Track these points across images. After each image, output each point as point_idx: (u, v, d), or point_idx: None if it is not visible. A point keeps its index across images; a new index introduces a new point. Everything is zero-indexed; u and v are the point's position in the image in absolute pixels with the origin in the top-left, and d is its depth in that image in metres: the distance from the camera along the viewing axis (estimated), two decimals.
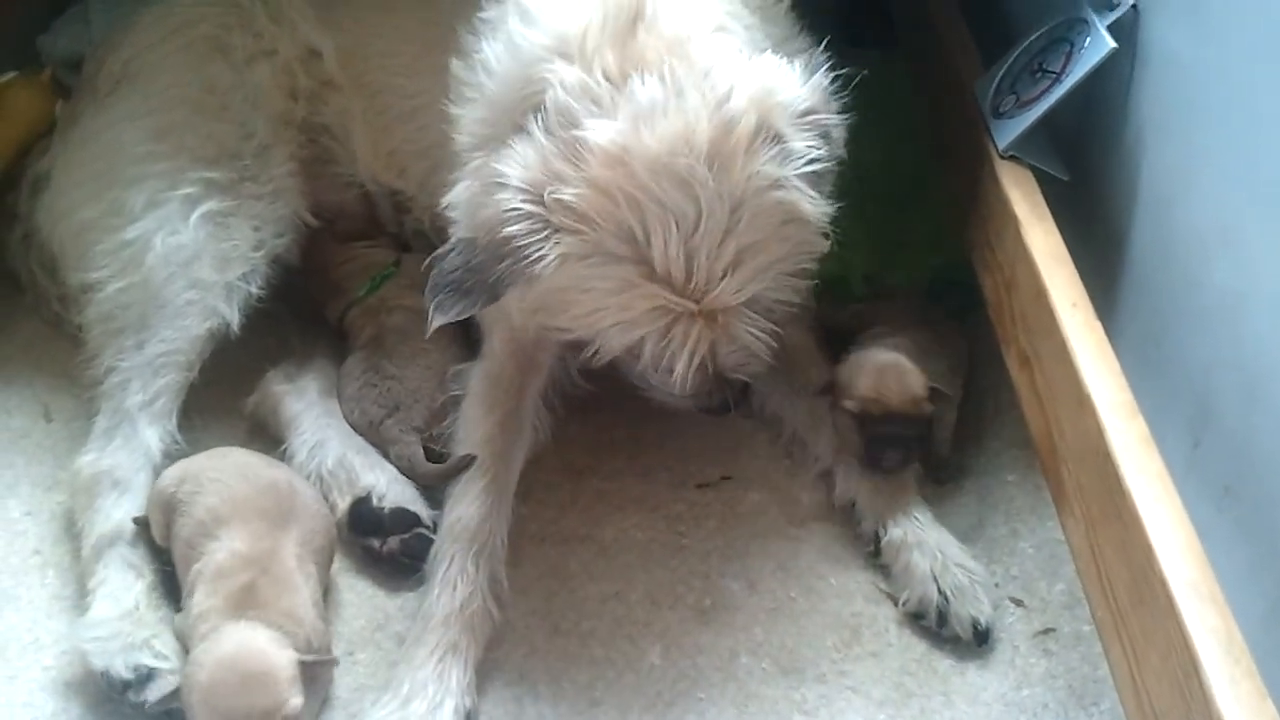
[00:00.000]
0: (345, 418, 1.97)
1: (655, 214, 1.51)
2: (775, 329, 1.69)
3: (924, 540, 1.84)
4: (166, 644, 1.61)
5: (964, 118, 2.03)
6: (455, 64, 1.76)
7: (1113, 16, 1.82)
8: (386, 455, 1.91)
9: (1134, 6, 1.81)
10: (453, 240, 1.59)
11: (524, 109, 1.58)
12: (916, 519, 1.87)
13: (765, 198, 1.55)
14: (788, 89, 1.57)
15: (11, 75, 2.35)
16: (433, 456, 1.89)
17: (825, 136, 1.59)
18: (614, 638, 1.76)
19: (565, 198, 1.50)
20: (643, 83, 1.52)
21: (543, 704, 1.67)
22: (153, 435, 1.81)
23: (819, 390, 1.95)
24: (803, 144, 1.57)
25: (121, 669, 1.58)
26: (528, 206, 1.51)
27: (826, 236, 1.66)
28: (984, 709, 1.69)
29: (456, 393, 1.93)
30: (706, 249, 1.54)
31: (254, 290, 1.93)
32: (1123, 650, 1.41)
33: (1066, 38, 1.90)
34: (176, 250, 1.88)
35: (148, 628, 1.63)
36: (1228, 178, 1.61)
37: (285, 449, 1.92)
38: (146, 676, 1.57)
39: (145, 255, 1.88)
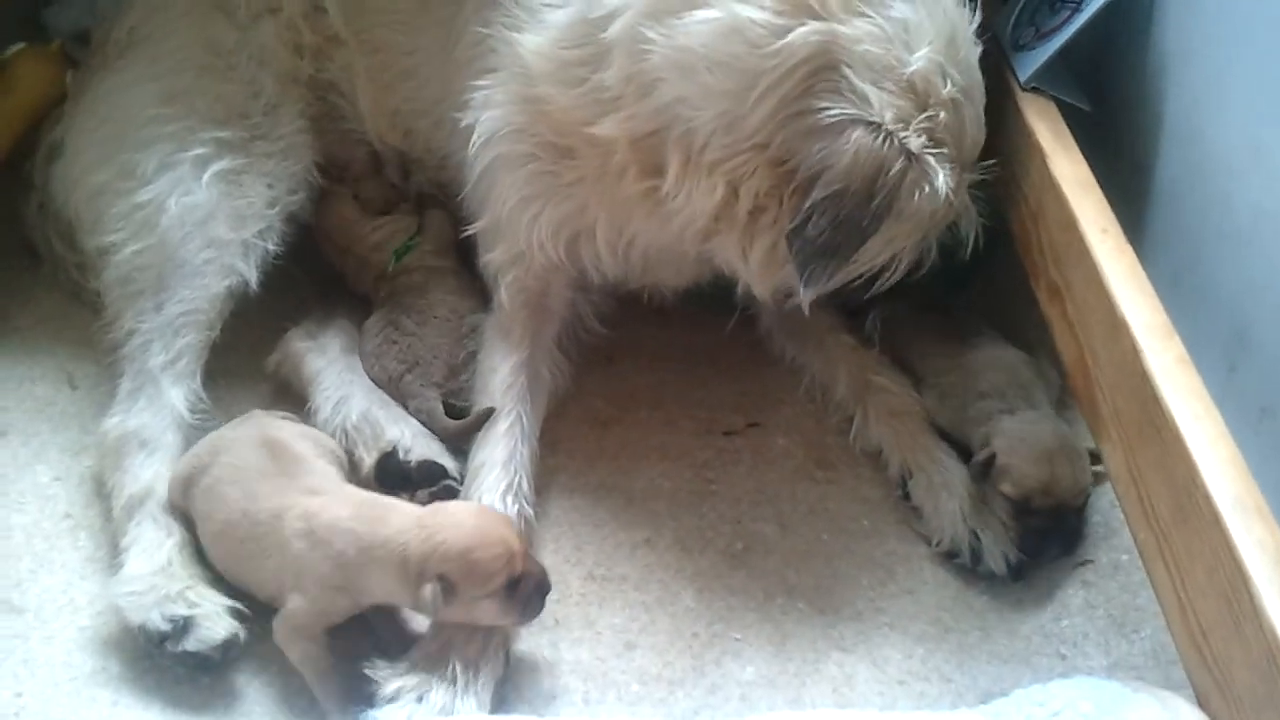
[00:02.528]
0: (366, 373, 1.96)
1: (968, 109, 1.67)
2: None
3: (951, 481, 1.83)
4: (201, 595, 1.61)
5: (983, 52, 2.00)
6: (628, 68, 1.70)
7: None
8: (407, 409, 1.90)
9: None
10: (806, 207, 1.59)
11: (790, 91, 1.58)
12: (941, 460, 1.86)
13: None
14: None
15: (21, 46, 2.34)
16: (453, 412, 1.88)
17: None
18: (647, 582, 1.75)
19: (926, 126, 1.59)
20: (902, 7, 1.61)
21: (579, 647, 1.66)
22: (177, 395, 1.80)
23: (975, 473, 1.79)
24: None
25: (158, 621, 1.57)
26: (887, 138, 1.57)
27: None
28: (1023, 641, 1.68)
29: (473, 348, 1.93)
30: (979, 118, 1.72)
31: (270, 248, 1.92)
32: (1166, 570, 1.39)
33: None
34: (191, 210, 1.87)
35: (181, 581, 1.62)
36: (1257, 97, 1.60)
37: (309, 406, 1.91)
38: (183, 627, 1.57)
39: (160, 216, 1.87)
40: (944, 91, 1.61)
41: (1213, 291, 1.65)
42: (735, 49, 1.59)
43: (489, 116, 1.83)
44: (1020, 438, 1.75)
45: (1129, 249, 1.61)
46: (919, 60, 1.59)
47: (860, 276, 1.75)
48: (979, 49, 1.72)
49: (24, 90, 2.28)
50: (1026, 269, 1.86)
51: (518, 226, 1.85)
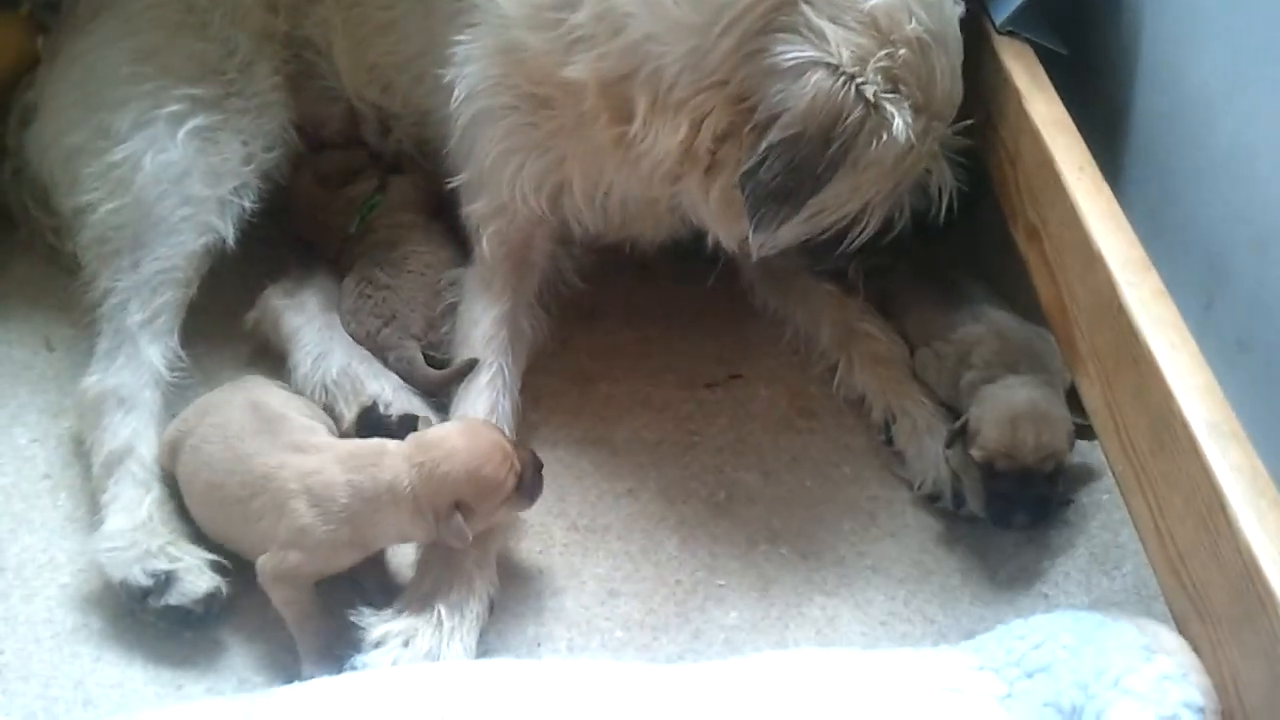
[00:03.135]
0: (346, 332, 1.95)
1: (935, 53, 1.62)
2: None
3: (934, 425, 1.84)
4: (182, 549, 1.61)
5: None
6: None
7: None
8: (387, 363, 1.90)
9: None
10: (762, 149, 1.56)
11: (751, 25, 1.56)
12: (925, 404, 1.87)
13: (958, 12, 1.70)
14: None
15: None
16: (433, 363, 1.88)
17: None
18: (630, 531, 1.75)
19: (885, 65, 1.55)
20: None
21: (563, 596, 1.67)
22: (155, 353, 1.79)
23: (949, 440, 1.76)
24: None
25: (140, 576, 1.57)
26: (847, 81, 1.53)
27: None
28: (1005, 582, 1.69)
29: (453, 300, 1.92)
30: (958, 71, 1.68)
31: (247, 205, 1.91)
32: (1144, 499, 1.40)
33: None
34: (166, 168, 1.86)
35: (162, 536, 1.62)
36: (1232, 33, 1.59)
37: (288, 364, 1.90)
38: (165, 582, 1.57)
39: (135, 175, 1.86)
40: (908, 28, 1.57)
41: (1190, 227, 1.65)
42: None
43: (469, 71, 1.82)
44: (991, 402, 1.73)
45: (1105, 186, 1.61)
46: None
47: (830, 229, 1.73)
48: (960, 7, 1.69)
49: None
50: (1004, 212, 1.86)
51: (500, 179, 1.84)
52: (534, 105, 1.80)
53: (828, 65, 1.53)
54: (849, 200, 1.68)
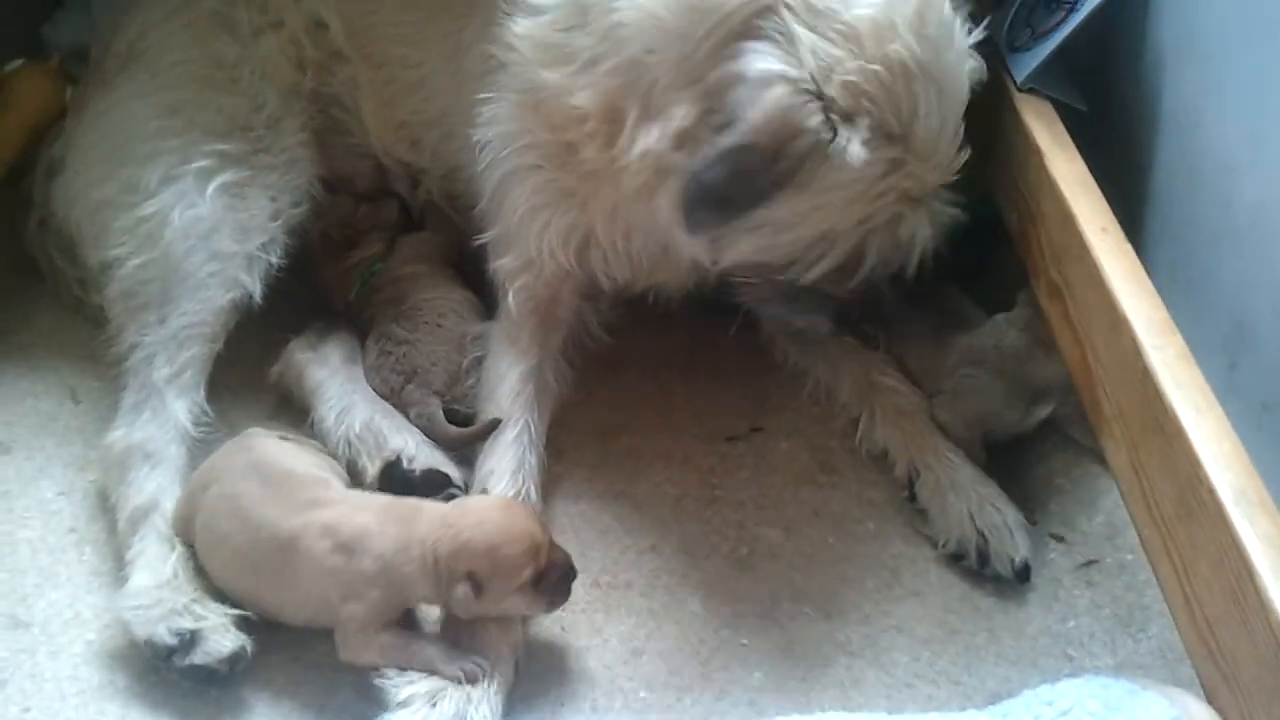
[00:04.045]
0: (370, 388, 1.95)
1: (921, 85, 1.55)
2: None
3: (958, 481, 1.83)
4: (207, 608, 1.61)
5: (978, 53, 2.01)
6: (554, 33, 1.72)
7: None
8: (409, 418, 1.90)
9: None
10: (713, 152, 1.53)
11: (733, 29, 1.55)
12: (949, 460, 1.85)
13: (971, 67, 1.66)
14: None
15: (20, 64, 2.35)
16: (456, 419, 1.89)
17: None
18: (653, 589, 1.75)
19: (853, 80, 1.51)
20: None
21: (586, 655, 1.66)
22: (181, 407, 1.80)
23: None
24: (964, 20, 1.67)
25: (165, 635, 1.57)
26: (809, 95, 1.50)
27: None
28: (1029, 642, 1.68)
29: (478, 354, 1.93)
30: (951, 118, 1.61)
31: (274, 260, 1.92)
32: (1172, 565, 1.40)
33: None
34: (195, 223, 1.88)
35: (187, 594, 1.62)
36: (1254, 93, 1.60)
37: (312, 417, 1.91)
38: (190, 641, 1.57)
39: (164, 229, 1.87)
40: (890, 47, 1.52)
41: (1212, 288, 1.65)
42: None
43: (496, 133, 1.84)
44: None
45: (1128, 247, 1.62)
46: (867, 7, 1.53)
47: (791, 258, 1.68)
48: (973, 62, 1.66)
49: (24, 107, 2.29)
50: (1026, 269, 1.87)
51: (527, 235, 1.85)
52: (558, 160, 1.81)
53: (791, 80, 1.51)
54: (801, 224, 1.63)
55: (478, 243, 1.95)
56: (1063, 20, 1.88)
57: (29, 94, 2.29)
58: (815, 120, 1.51)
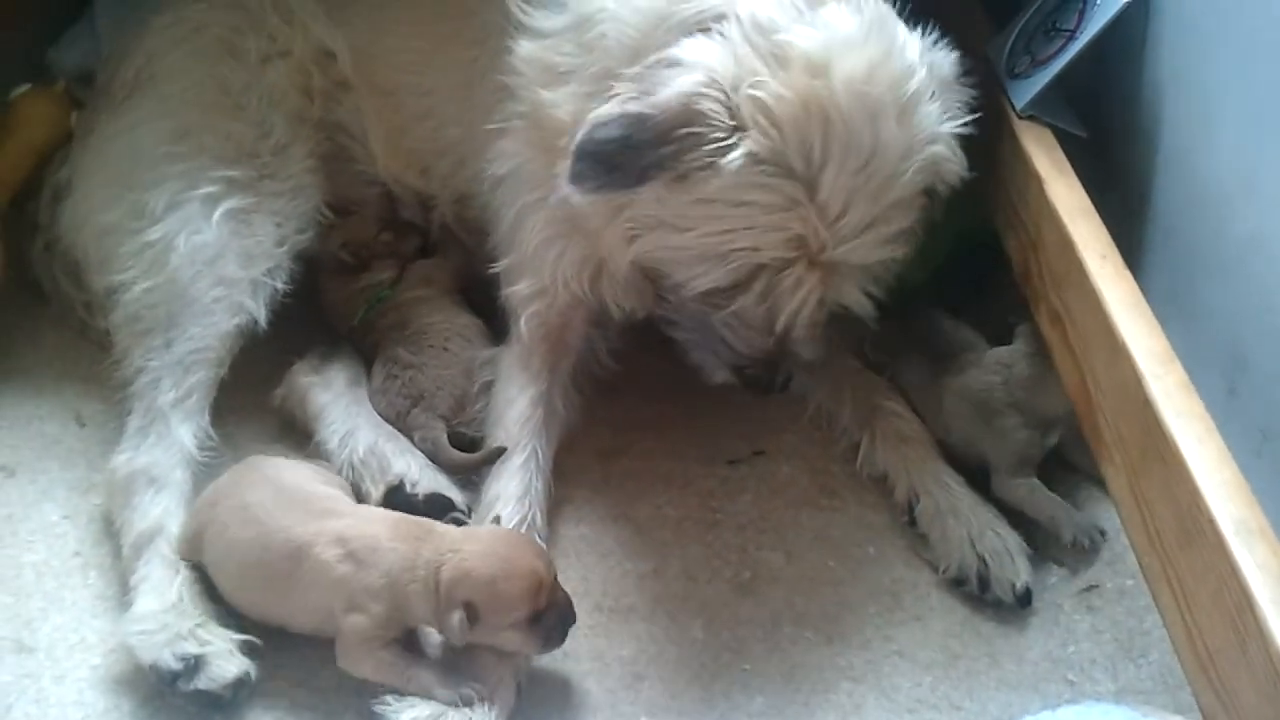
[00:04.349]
0: (377, 412, 1.97)
1: (839, 137, 1.50)
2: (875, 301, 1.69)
3: (958, 506, 1.84)
4: (211, 632, 1.62)
5: (979, 81, 2.02)
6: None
7: None
8: (414, 442, 1.91)
9: None
10: (616, 111, 1.52)
11: (685, 28, 1.57)
12: (948, 485, 1.87)
13: (927, 152, 1.59)
14: (940, 52, 1.65)
15: (26, 88, 2.37)
16: (461, 443, 1.90)
17: (963, 105, 1.65)
18: (655, 613, 1.76)
19: (762, 96, 1.49)
20: (839, 9, 1.56)
21: (588, 680, 1.67)
22: (186, 432, 1.81)
23: None
24: (954, 105, 1.64)
25: (170, 660, 1.58)
26: (719, 94, 1.49)
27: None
28: (1031, 667, 1.69)
29: (488, 378, 1.94)
30: (869, 191, 1.54)
31: (279, 286, 1.94)
32: (1172, 593, 1.40)
33: None
34: (201, 249, 1.89)
35: (191, 618, 1.63)
36: (1248, 125, 1.62)
37: (315, 440, 1.92)
38: (194, 665, 1.58)
39: (170, 255, 1.88)
40: (813, 83, 1.49)
41: (1210, 316, 1.67)
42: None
43: (509, 166, 1.87)
44: None
45: (1128, 274, 1.63)
46: (803, 39, 1.52)
47: (677, 267, 1.67)
48: (927, 145, 1.59)
49: (30, 131, 2.31)
50: (1027, 295, 1.88)
51: (542, 264, 1.86)
52: None
53: (708, 73, 1.51)
54: (687, 227, 1.59)
55: (491, 270, 1.96)
56: (1062, 48, 1.89)
57: (36, 119, 2.31)
58: (714, 117, 1.49)
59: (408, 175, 2.15)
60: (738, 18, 1.55)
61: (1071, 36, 1.89)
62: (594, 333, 1.97)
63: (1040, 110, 1.90)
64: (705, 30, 1.57)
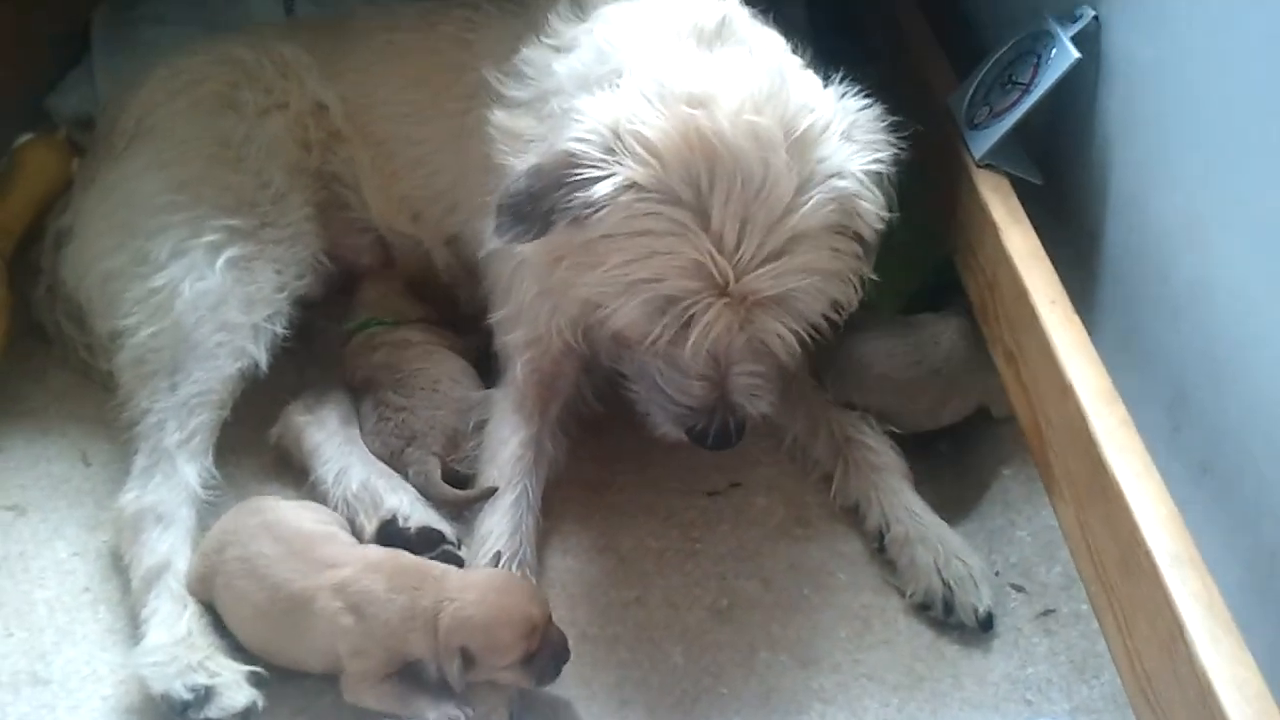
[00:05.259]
0: (371, 451, 2.05)
1: (725, 165, 1.53)
2: (804, 338, 1.72)
3: (925, 535, 1.93)
4: (220, 664, 1.70)
5: (940, 130, 2.14)
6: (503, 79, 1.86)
7: (1076, 28, 1.93)
8: (408, 478, 2.00)
9: (1095, 18, 1.92)
10: (522, 166, 1.63)
11: (599, 82, 1.65)
12: (916, 514, 1.96)
13: (830, 185, 1.61)
14: (854, 99, 1.71)
15: (29, 137, 2.45)
16: (454, 479, 1.98)
17: (884, 148, 1.71)
18: (638, 641, 1.85)
19: (641, 130, 1.55)
20: (733, 53, 1.64)
21: (575, 705, 1.76)
22: (191, 472, 1.89)
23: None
24: (868, 146, 1.68)
25: (180, 690, 1.66)
26: (598, 135, 1.57)
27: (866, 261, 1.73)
28: (992, 688, 1.78)
29: (480, 418, 2.03)
30: (764, 221, 1.56)
31: (279, 330, 2.02)
32: (1115, 621, 1.50)
33: (1034, 50, 2.01)
34: (204, 295, 1.97)
35: (201, 650, 1.71)
36: (1190, 177, 1.71)
37: (311, 478, 2.00)
38: (204, 696, 1.66)
39: (174, 301, 1.96)
40: (696, 114, 1.54)
41: (1156, 356, 1.77)
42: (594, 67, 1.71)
43: None
44: None
45: (1076, 319, 1.73)
46: (688, 78, 1.58)
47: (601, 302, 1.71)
48: (829, 178, 1.61)
49: (33, 180, 2.39)
50: (985, 334, 1.98)
51: (537, 316, 1.94)
52: None
53: (594, 120, 1.59)
54: (598, 262, 1.63)
55: (487, 321, 2.05)
56: (1018, 100, 2.00)
57: (38, 168, 2.40)
58: (589, 157, 1.56)
59: (399, 222, 2.25)
60: (634, 71, 1.65)
61: (1027, 89, 1.99)
62: (583, 378, 2.06)
63: (998, 159, 2.01)
64: (608, 84, 1.66)
